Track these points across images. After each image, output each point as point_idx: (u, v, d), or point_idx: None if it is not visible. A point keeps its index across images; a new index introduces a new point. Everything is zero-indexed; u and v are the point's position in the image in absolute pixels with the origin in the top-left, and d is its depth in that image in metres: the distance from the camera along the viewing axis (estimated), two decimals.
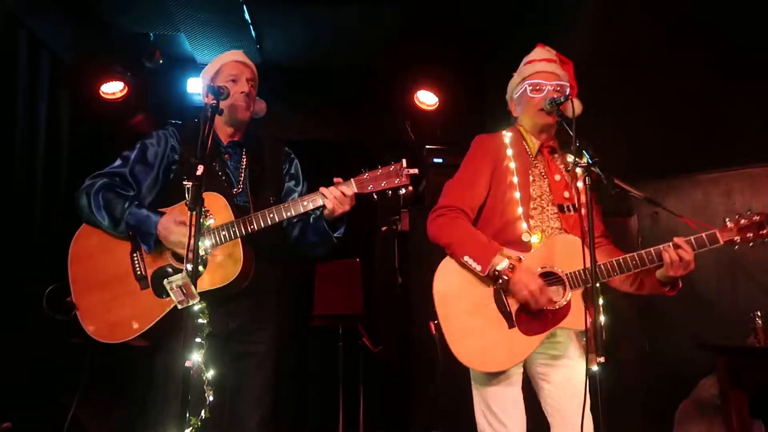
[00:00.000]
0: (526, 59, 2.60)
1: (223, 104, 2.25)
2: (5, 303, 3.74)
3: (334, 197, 2.24)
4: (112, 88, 5.09)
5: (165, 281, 1.92)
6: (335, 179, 2.28)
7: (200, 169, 1.93)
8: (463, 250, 2.33)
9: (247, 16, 4.59)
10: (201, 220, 1.92)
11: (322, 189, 2.26)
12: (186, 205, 1.93)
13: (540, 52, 2.58)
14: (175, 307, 2.16)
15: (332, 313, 4.66)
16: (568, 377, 2.37)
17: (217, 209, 2.26)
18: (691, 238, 2.25)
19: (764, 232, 2.24)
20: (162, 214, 2.28)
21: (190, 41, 4.88)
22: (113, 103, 5.08)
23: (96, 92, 5.05)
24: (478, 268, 2.28)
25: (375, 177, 2.24)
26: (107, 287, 2.31)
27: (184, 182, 2.24)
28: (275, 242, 2.44)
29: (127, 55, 5.02)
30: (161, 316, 2.24)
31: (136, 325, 2.25)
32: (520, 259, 2.32)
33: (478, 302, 2.33)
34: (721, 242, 2.25)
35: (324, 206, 2.26)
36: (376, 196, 2.25)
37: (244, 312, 2.36)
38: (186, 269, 1.89)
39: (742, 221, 2.25)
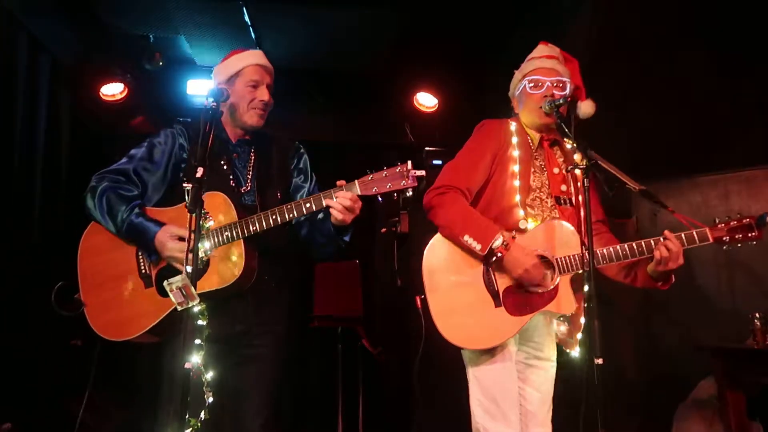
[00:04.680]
0: (528, 57, 2.61)
1: (239, 109, 2.33)
2: (5, 304, 3.74)
3: (343, 207, 2.16)
4: (112, 90, 5.09)
5: (165, 282, 1.91)
6: (338, 182, 2.20)
7: (200, 172, 1.92)
8: (463, 229, 2.32)
9: (246, 18, 4.59)
10: (201, 222, 1.91)
11: (328, 201, 2.18)
12: (186, 207, 1.92)
13: (542, 49, 2.59)
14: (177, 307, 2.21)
15: (332, 314, 4.66)
16: (541, 381, 2.44)
17: (219, 208, 2.23)
18: (681, 233, 2.30)
19: (753, 234, 2.27)
20: (162, 225, 2.25)
21: (190, 43, 4.88)
22: (113, 104, 5.08)
23: (96, 94, 5.05)
24: (478, 247, 2.28)
25: (380, 179, 2.15)
26: (113, 285, 2.31)
27: (184, 184, 2.25)
28: (280, 241, 2.41)
29: (127, 57, 5.02)
30: (163, 315, 2.23)
31: (139, 324, 2.25)
32: (514, 237, 2.33)
33: (467, 280, 2.35)
34: (711, 240, 2.29)
35: (327, 206, 2.19)
36: (381, 198, 2.20)
37: (251, 314, 2.32)
38: (185, 270, 1.88)
39: (733, 222, 2.29)
